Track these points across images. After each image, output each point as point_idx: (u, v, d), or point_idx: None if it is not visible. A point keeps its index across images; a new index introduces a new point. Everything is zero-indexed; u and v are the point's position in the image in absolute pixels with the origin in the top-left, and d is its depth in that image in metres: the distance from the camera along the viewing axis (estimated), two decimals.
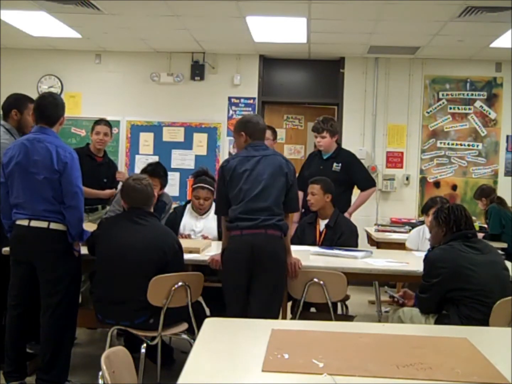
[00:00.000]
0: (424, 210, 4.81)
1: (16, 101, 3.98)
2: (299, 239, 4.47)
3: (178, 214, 4.55)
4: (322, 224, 4.50)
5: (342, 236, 4.39)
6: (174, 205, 5.58)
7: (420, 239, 4.81)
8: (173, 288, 3.38)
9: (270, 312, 3.33)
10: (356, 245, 4.46)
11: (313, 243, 4.42)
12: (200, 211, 4.49)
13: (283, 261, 3.47)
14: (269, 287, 3.39)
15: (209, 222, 4.48)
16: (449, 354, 2.10)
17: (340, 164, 4.97)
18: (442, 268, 3.14)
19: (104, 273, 3.47)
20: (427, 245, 4.66)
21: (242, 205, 3.42)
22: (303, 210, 4.84)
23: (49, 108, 3.55)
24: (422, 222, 5.14)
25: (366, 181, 5.12)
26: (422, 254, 3.52)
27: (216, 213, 3.97)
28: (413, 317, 3.33)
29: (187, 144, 7.47)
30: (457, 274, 3.11)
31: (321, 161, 5.08)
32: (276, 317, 3.45)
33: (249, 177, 3.45)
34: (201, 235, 4.45)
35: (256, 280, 3.39)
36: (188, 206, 4.58)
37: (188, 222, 4.50)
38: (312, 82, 7.66)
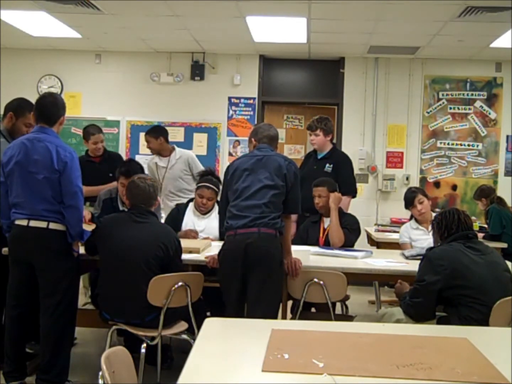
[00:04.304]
0: (406, 206, 4.83)
1: (17, 106, 3.91)
2: (303, 239, 4.45)
3: (180, 211, 4.54)
4: (326, 222, 4.49)
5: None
6: None
7: (409, 229, 4.81)
8: (173, 288, 3.38)
9: (267, 311, 3.29)
10: (353, 243, 4.44)
11: (317, 241, 4.42)
12: (202, 210, 4.49)
13: (278, 259, 3.44)
14: (263, 286, 3.36)
15: (211, 222, 4.47)
16: (449, 354, 2.10)
17: (332, 165, 4.96)
18: (440, 266, 3.12)
19: (110, 272, 3.47)
20: (419, 234, 4.68)
21: (237, 203, 3.45)
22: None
23: (49, 108, 3.54)
24: None
25: (349, 186, 4.95)
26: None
27: (219, 212, 3.97)
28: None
29: (187, 144, 7.45)
30: (455, 272, 3.09)
31: (315, 161, 5.08)
32: (274, 317, 3.42)
33: (249, 176, 3.48)
34: (202, 234, 4.45)
35: (250, 279, 3.37)
36: (191, 204, 4.57)
37: (190, 220, 4.50)
38: (312, 82, 7.66)
